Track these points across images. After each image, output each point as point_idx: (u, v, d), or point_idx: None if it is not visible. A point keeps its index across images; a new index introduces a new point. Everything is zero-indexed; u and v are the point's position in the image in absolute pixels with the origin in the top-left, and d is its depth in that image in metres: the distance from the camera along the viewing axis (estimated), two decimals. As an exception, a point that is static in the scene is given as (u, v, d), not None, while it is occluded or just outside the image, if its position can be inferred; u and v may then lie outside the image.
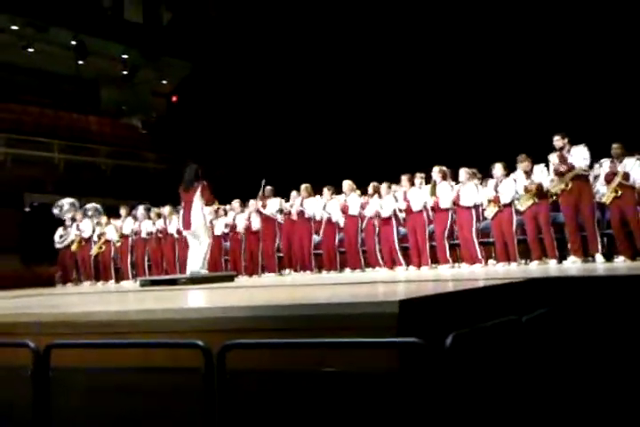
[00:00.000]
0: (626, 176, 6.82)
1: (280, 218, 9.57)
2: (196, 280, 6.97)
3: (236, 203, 10.14)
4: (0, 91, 15.40)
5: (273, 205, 9.67)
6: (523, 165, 7.46)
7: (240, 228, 9.93)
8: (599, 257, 6.81)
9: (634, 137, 7.24)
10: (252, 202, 9.94)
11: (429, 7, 11.70)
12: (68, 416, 3.05)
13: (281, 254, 9.69)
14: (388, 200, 8.64)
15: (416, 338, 2.39)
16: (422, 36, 11.91)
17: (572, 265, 6.75)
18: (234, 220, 10.06)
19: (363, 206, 8.87)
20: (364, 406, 2.59)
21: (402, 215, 8.51)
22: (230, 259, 10.06)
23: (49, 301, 5.52)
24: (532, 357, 2.99)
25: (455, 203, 7.90)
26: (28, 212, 14.49)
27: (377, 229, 8.71)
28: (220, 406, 2.57)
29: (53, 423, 2.93)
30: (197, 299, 4.77)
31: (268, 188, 9.82)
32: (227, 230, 10.08)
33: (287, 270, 9.54)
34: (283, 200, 9.72)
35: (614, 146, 7.02)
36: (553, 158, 7.15)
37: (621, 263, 6.57)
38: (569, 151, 7.04)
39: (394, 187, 8.79)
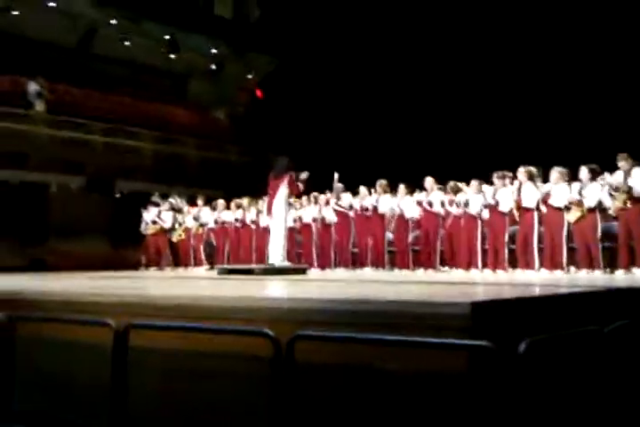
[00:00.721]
0: None
1: (352, 213, 9.57)
2: (270, 271, 7.10)
3: (304, 197, 10.22)
4: (98, 81, 16.21)
5: (345, 201, 9.68)
6: (621, 165, 7.11)
7: (310, 220, 10.02)
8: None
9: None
10: (322, 196, 9.99)
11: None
12: (142, 395, 3.18)
13: (355, 250, 9.69)
14: (476, 199, 8.39)
15: (488, 342, 2.34)
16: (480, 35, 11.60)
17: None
18: (303, 213, 10.16)
19: (446, 204, 8.66)
20: (429, 406, 2.57)
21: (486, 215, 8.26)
22: (303, 252, 10.16)
23: (132, 283, 5.79)
24: (612, 369, 2.86)
25: (544, 203, 7.60)
26: (118, 198, 15.21)
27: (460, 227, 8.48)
28: (285, 395, 2.60)
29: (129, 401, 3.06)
30: (270, 289, 4.86)
31: (340, 184, 9.85)
32: (296, 224, 10.19)
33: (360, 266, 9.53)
34: (352, 196, 9.70)
35: None
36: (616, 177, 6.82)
37: None
38: (629, 173, 6.69)
39: (484, 186, 8.55)
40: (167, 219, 11.51)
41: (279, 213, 7.74)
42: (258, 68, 19.49)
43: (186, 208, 11.61)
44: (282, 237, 7.75)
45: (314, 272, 8.84)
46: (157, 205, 11.61)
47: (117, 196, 15.27)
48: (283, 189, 7.70)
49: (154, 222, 11.49)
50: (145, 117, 16.50)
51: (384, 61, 13.12)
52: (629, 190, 6.90)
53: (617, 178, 7.06)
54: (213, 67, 19.09)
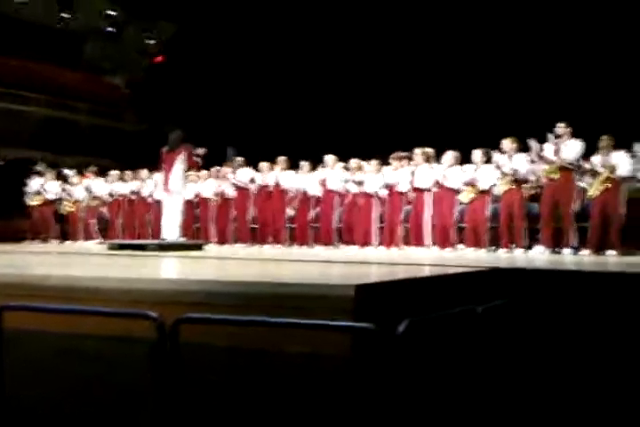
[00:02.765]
0: (613, 170, 6.86)
1: (253, 188, 9.50)
2: (164, 247, 6.92)
3: (204, 171, 10.02)
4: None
5: (244, 176, 9.59)
6: (506, 150, 7.46)
7: (210, 195, 9.86)
8: (568, 250, 6.89)
9: (623, 131, 7.24)
10: (222, 169, 9.84)
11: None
12: (20, 378, 3.03)
13: (255, 226, 9.64)
14: (372, 178, 8.56)
15: (371, 323, 2.38)
16: (411, 16, 11.72)
17: (540, 255, 6.83)
18: (202, 187, 9.98)
19: (349, 181, 8.78)
20: (313, 387, 2.60)
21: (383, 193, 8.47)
22: (201, 227, 9.99)
23: (10, 260, 5.44)
24: (486, 347, 3.01)
25: (439, 185, 7.89)
26: (1, 165, 14.22)
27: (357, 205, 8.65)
28: (169, 378, 2.55)
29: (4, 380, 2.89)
30: (159, 269, 4.72)
31: (239, 158, 9.75)
32: (195, 198, 10.01)
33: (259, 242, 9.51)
34: (254, 171, 9.64)
35: (603, 138, 7.03)
36: (548, 147, 7.15)
37: (588, 257, 6.66)
38: (565, 143, 7.05)
39: (373, 163, 8.73)
40: (52, 190, 10.93)
41: (176, 188, 7.55)
42: (159, 34, 18.66)
43: (76, 179, 11.03)
44: (178, 211, 7.58)
45: (211, 248, 8.72)
46: (42, 174, 10.97)
47: (0, 163, 14.30)
48: (179, 163, 7.51)
49: (38, 193, 10.87)
50: (34, 80, 15.43)
51: (287, 31, 12.83)
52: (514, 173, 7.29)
53: (502, 161, 7.40)
54: (111, 29, 18.08)
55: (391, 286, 2.96)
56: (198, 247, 7.57)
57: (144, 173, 10.36)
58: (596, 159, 7.06)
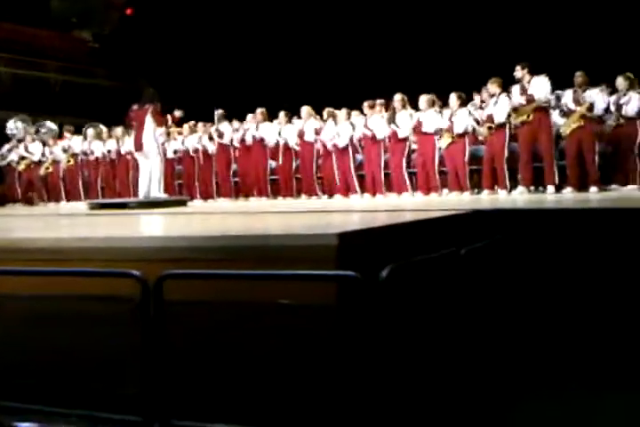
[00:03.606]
0: (590, 107, 6.81)
1: (236, 141, 9.37)
2: (146, 204, 6.86)
3: (185, 126, 9.85)
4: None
5: (226, 131, 9.44)
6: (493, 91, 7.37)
7: (191, 151, 9.74)
8: (551, 188, 6.94)
9: (597, 67, 7.15)
10: (201, 125, 9.67)
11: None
12: (3, 342, 3.03)
13: (236, 179, 9.58)
14: (345, 127, 8.50)
15: (354, 271, 2.39)
16: None
17: (521, 196, 6.87)
18: (182, 143, 9.84)
19: (318, 132, 8.72)
20: (300, 338, 2.63)
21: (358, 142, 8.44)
22: (184, 183, 9.90)
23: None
24: (470, 289, 3.05)
25: (416, 130, 7.83)
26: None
27: (334, 155, 8.62)
28: (154, 335, 2.56)
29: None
30: (141, 226, 4.69)
31: (220, 111, 9.57)
32: (178, 154, 9.89)
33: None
34: (235, 124, 9.49)
35: (577, 74, 6.95)
36: (515, 90, 7.07)
37: (569, 194, 6.71)
38: (529, 82, 6.96)
39: (353, 113, 8.64)
40: (35, 150, 10.76)
41: (151, 145, 7.42)
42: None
43: (51, 139, 10.81)
44: (157, 169, 7.47)
45: (195, 204, 8.68)
46: (20, 139, 10.77)
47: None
48: (148, 121, 7.37)
49: (22, 158, 10.73)
50: (0, 39, 14.88)
51: None
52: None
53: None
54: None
55: (374, 233, 2.96)
56: (182, 203, 7.52)
57: (119, 130, 10.16)
58: (570, 96, 6.99)
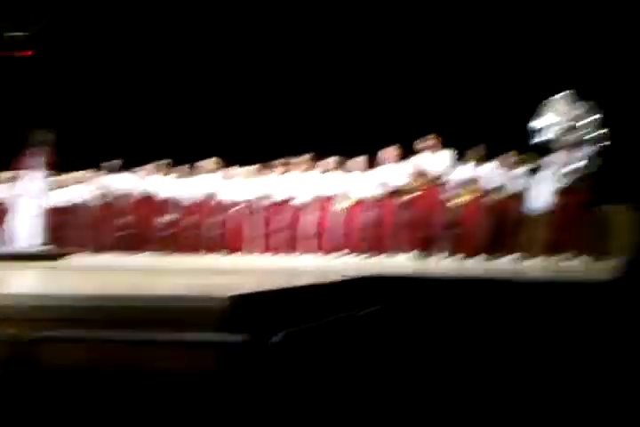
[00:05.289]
0: (482, 180, 7.26)
1: (128, 193, 9.06)
2: (20, 256, 6.38)
3: (74, 174, 9.42)
4: None
5: (118, 182, 9.12)
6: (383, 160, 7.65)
7: (79, 201, 9.30)
8: (441, 255, 7.21)
9: (493, 142, 7.63)
10: (92, 174, 9.30)
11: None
12: None
13: (124, 233, 9.18)
14: (251, 185, 8.45)
15: (245, 335, 2.29)
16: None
17: (413, 261, 7.07)
18: (69, 192, 9.39)
19: (219, 188, 8.61)
20: (182, 406, 2.45)
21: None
22: (66, 235, 9.33)
23: None
24: (363, 353, 3.02)
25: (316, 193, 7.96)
26: None
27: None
28: (23, 403, 2.32)
29: None
30: (13, 281, 4.31)
31: (115, 161, 9.27)
32: (64, 204, 9.39)
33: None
34: (129, 175, 9.21)
35: (473, 149, 7.41)
36: (416, 159, 7.42)
37: (458, 262, 6.98)
38: (434, 153, 7.35)
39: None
40: None
41: (35, 192, 7.03)
42: (26, 26, 17.33)
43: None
44: (38, 217, 7.05)
45: (78, 257, 8.17)
46: None
47: None
48: (37, 167, 7.03)
49: None
50: None
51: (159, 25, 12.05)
52: None
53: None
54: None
55: (267, 296, 2.87)
56: (62, 256, 7.05)
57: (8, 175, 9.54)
58: (465, 170, 7.44)
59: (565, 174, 6.54)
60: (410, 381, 3.47)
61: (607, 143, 7.01)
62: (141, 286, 3.58)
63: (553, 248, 6.73)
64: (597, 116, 6.77)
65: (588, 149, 6.53)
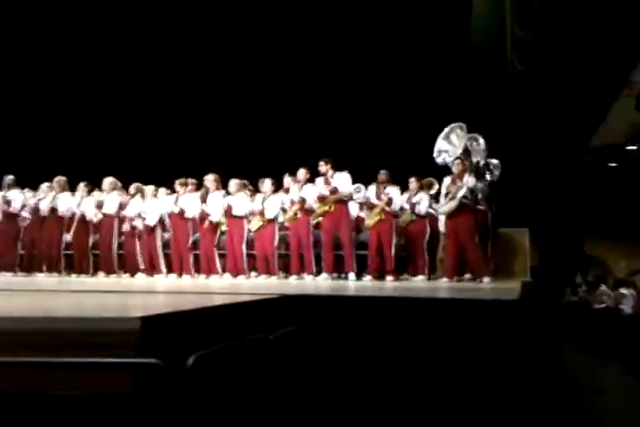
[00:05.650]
0: (389, 202, 7.45)
1: (26, 214, 8.56)
2: None
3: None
4: None
5: (16, 199, 8.61)
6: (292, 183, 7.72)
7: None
8: (352, 275, 7.30)
9: (393, 167, 7.90)
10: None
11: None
12: None
13: (23, 252, 8.67)
14: (153, 203, 8.26)
15: (156, 359, 2.20)
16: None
17: (325, 282, 7.11)
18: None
19: (123, 207, 8.34)
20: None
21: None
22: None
23: None
24: (279, 374, 2.98)
25: (226, 213, 7.87)
26: None
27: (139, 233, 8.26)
28: None
29: None
30: None
31: (10, 177, 8.77)
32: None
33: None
34: (28, 193, 8.73)
35: (381, 172, 7.63)
36: (319, 182, 7.53)
37: (369, 282, 7.10)
38: (332, 177, 7.49)
39: (161, 190, 8.45)
40: None
41: None
42: None
43: None
44: None
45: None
46: None
47: None
48: None
49: None
50: None
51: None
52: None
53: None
54: None
55: (181, 317, 2.78)
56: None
57: None
58: (372, 192, 7.64)
59: (451, 198, 6.84)
60: (325, 400, 3.46)
61: (498, 171, 7.48)
62: (45, 307, 3.38)
63: (456, 269, 6.99)
64: (485, 146, 7.23)
65: (471, 178, 6.89)
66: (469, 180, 6.86)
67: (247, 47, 11.17)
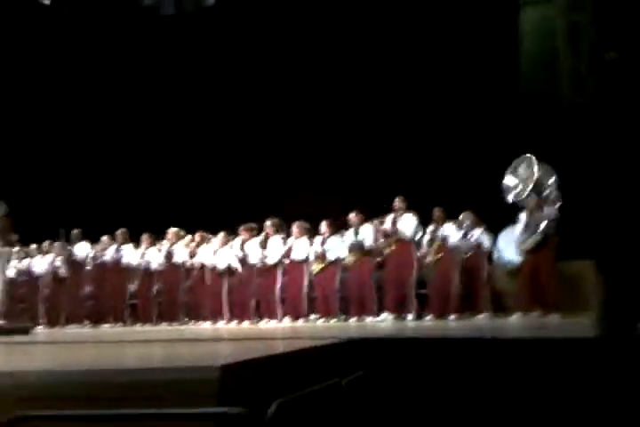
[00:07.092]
0: (445, 240, 7.36)
1: (90, 264, 8.84)
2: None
3: (33, 246, 9.19)
4: None
5: (82, 251, 8.91)
6: (352, 223, 7.71)
7: (41, 273, 9.01)
8: (411, 316, 7.17)
9: (452, 203, 7.80)
10: (56, 245, 9.07)
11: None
12: None
13: (89, 304, 8.89)
14: (223, 250, 8.35)
15: (239, 408, 2.19)
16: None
17: (386, 323, 7.01)
18: (29, 264, 9.11)
19: (191, 255, 8.48)
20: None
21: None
22: (27, 308, 8.99)
23: None
24: (353, 420, 2.93)
25: (287, 256, 7.90)
26: None
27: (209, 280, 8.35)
28: None
29: None
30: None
31: (76, 231, 9.06)
32: (21, 276, 9.08)
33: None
34: (92, 245, 9.02)
35: (435, 210, 7.55)
36: (388, 220, 7.51)
37: (430, 322, 6.95)
38: (401, 215, 7.46)
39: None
40: None
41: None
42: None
43: None
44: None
45: (41, 331, 7.83)
46: None
47: None
48: None
49: None
50: None
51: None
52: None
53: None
54: None
55: (259, 364, 2.78)
56: (24, 331, 6.74)
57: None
58: (429, 229, 7.56)
59: (532, 232, 6.69)
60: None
61: (562, 202, 7.26)
62: (117, 359, 3.43)
63: (523, 305, 6.77)
64: (555, 177, 7.03)
65: (550, 209, 6.72)
66: (550, 212, 6.68)
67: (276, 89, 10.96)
